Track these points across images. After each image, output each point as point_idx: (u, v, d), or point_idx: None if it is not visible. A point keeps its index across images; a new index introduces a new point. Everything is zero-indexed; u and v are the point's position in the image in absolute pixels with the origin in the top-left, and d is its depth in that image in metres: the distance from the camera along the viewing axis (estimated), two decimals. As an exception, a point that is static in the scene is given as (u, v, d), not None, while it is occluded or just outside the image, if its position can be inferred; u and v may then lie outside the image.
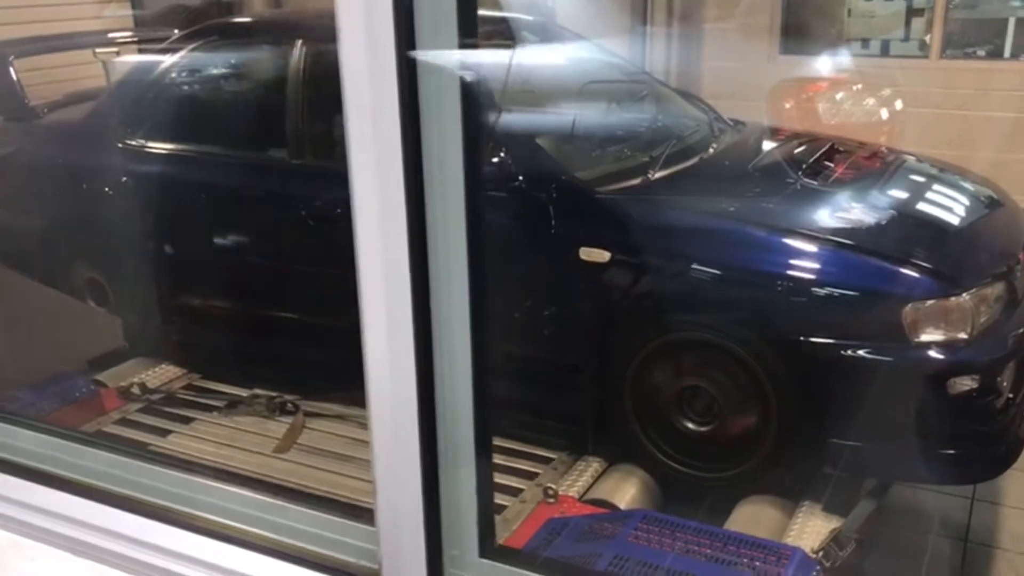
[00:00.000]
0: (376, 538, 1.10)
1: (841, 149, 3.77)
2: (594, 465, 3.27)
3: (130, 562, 1.43)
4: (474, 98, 0.95)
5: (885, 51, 6.14)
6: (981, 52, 6.36)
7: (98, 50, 5.45)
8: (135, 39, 5.85)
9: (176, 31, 4.41)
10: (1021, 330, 3.01)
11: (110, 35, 5.73)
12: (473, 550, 1.10)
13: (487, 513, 1.12)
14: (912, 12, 6.04)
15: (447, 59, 0.94)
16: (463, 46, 0.94)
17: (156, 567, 1.40)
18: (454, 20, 0.93)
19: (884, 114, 4.90)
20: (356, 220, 1.01)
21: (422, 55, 0.92)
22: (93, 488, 1.53)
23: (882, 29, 6.13)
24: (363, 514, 1.16)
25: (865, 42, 6.20)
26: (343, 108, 0.97)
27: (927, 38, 5.93)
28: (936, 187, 3.63)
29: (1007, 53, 6.52)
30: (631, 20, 6.18)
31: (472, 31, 0.94)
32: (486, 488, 1.11)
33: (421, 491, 1.03)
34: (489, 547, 1.12)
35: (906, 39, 6.07)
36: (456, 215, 0.98)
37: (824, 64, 5.97)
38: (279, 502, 1.32)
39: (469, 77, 0.94)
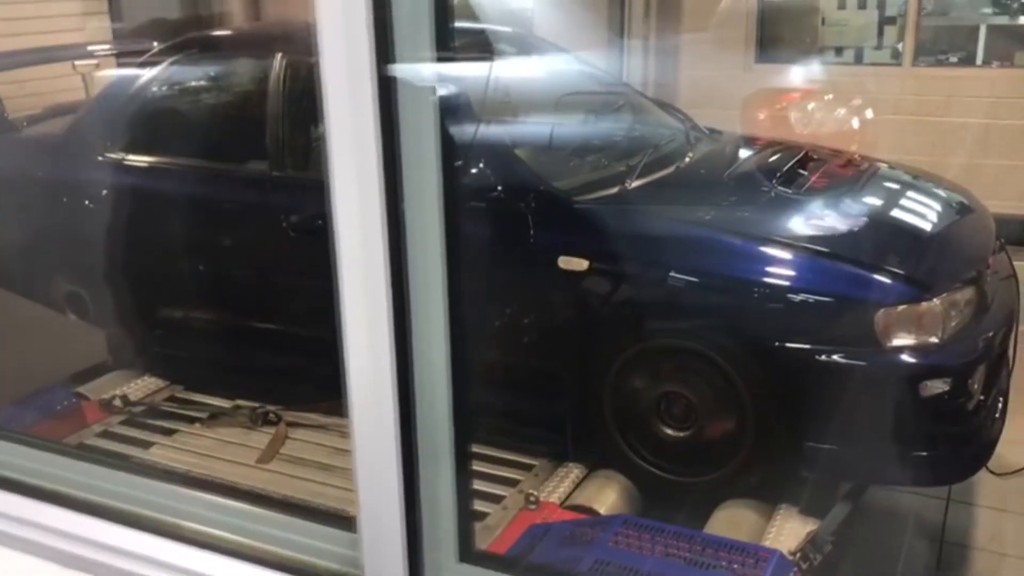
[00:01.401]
0: (358, 545, 1.12)
1: (815, 157, 3.83)
2: (575, 471, 3.30)
3: (113, 572, 1.45)
4: (451, 110, 0.98)
5: (859, 59, 6.23)
6: (954, 59, 6.45)
7: (78, 63, 5.47)
8: (115, 52, 5.87)
9: (156, 44, 4.42)
10: (991, 333, 3.07)
11: (90, 48, 5.74)
12: (452, 555, 1.12)
13: (466, 519, 1.14)
14: (885, 20, 6.13)
15: (424, 73, 0.97)
16: (440, 60, 0.97)
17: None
18: (430, 34, 0.96)
19: (855, 123, 4.97)
20: (335, 229, 1.04)
21: (399, 69, 0.95)
22: (73, 499, 1.54)
23: (856, 37, 6.21)
24: (345, 521, 1.19)
25: (839, 50, 6.28)
26: (324, 121, 1.00)
27: (900, 46, 6.02)
28: (908, 194, 3.70)
29: (979, 60, 6.62)
30: (609, 31, 6.24)
31: (449, 45, 0.97)
32: (465, 494, 1.14)
33: (401, 498, 1.06)
34: (469, 552, 1.15)
35: (879, 47, 6.15)
36: (433, 224, 1.01)
37: (798, 73, 6.05)
38: (261, 510, 1.34)
39: (446, 90, 0.97)
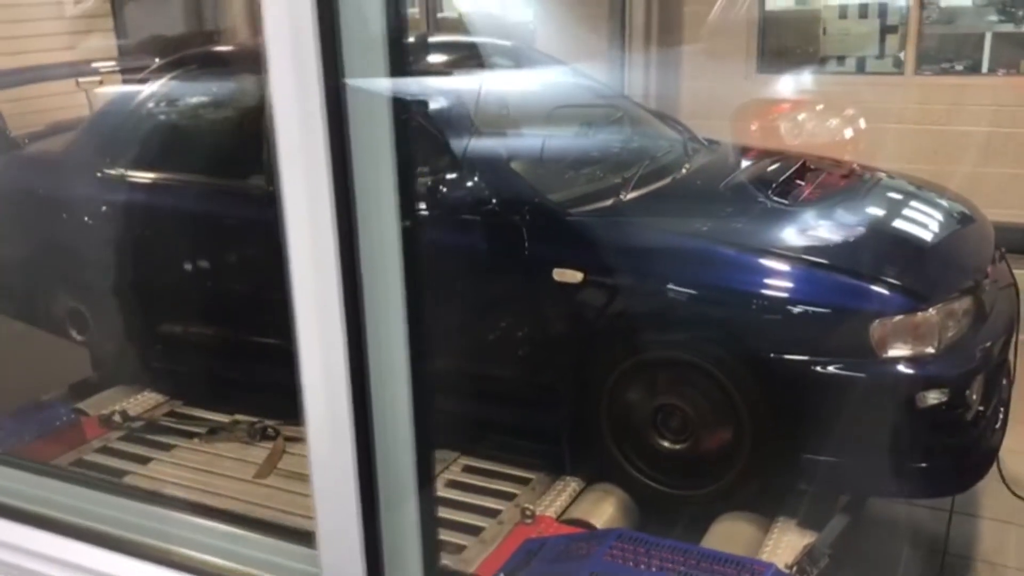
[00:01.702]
0: (317, 560, 1.12)
1: (813, 167, 3.82)
2: (572, 485, 3.28)
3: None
4: (405, 126, 0.98)
5: (861, 68, 6.22)
6: (960, 67, 6.43)
7: (81, 80, 5.50)
8: (118, 69, 5.91)
9: (157, 60, 4.45)
10: (989, 343, 3.05)
11: (94, 65, 5.78)
12: (418, 571, 1.11)
13: (431, 534, 1.13)
14: (886, 29, 6.12)
15: (376, 87, 0.97)
16: (394, 74, 0.96)
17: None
18: (383, 49, 0.96)
19: (848, 132, 4.96)
20: (288, 248, 1.04)
21: (350, 83, 0.95)
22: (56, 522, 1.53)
23: (857, 47, 6.20)
24: (305, 537, 1.18)
25: (841, 60, 6.27)
26: (275, 140, 1.00)
27: (901, 55, 6.00)
28: (906, 204, 3.68)
29: (984, 68, 6.60)
30: (610, 43, 6.25)
31: (402, 60, 0.96)
32: (429, 508, 1.13)
33: (358, 512, 1.05)
34: (433, 569, 1.14)
35: (881, 56, 6.14)
36: (390, 242, 1.00)
37: (799, 82, 6.04)
38: (218, 524, 1.33)
39: (402, 104, 0.97)
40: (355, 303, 1.01)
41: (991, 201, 3.95)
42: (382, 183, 0.97)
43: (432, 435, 1.11)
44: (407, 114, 0.98)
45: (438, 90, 3.56)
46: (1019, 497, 3.33)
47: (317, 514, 1.10)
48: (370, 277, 1.01)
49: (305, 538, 1.16)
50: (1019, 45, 6.75)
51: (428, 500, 1.11)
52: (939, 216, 3.60)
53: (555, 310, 3.20)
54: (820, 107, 5.17)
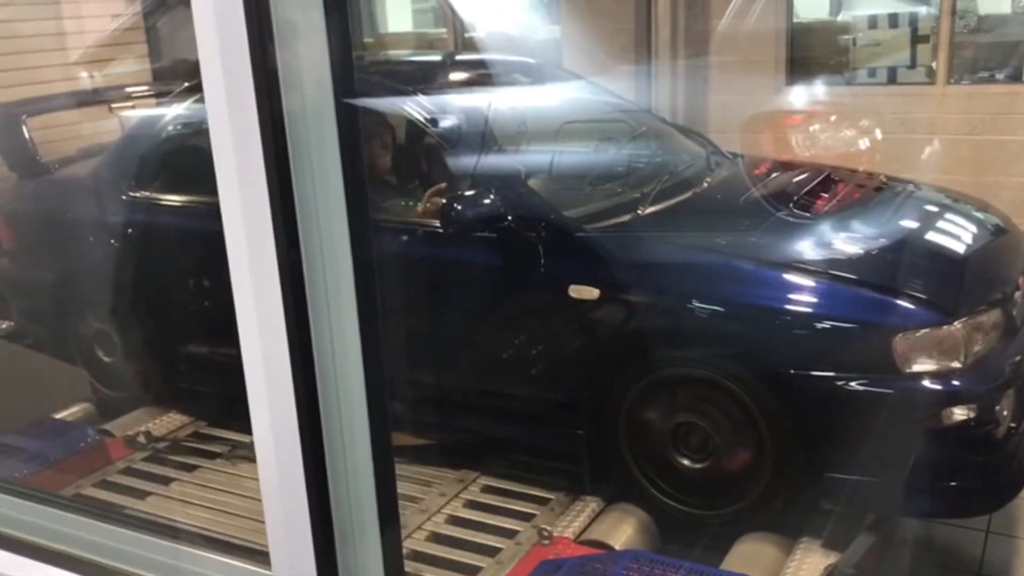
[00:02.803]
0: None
1: (838, 179, 3.75)
2: (591, 505, 3.24)
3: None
4: (355, 149, 0.96)
5: (892, 79, 6.11)
6: (1000, 76, 6.29)
7: (114, 105, 5.59)
8: (150, 93, 5.99)
9: (186, 83, 4.50)
10: (1019, 357, 2.96)
11: (127, 89, 5.87)
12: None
13: (394, 550, 1.10)
14: (918, 39, 6.01)
15: (320, 113, 0.95)
16: (339, 97, 0.94)
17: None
18: (327, 74, 0.94)
19: (863, 143, 4.87)
20: (233, 282, 1.02)
21: (288, 110, 0.93)
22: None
23: (888, 57, 6.10)
24: (260, 556, 1.16)
25: (872, 71, 6.17)
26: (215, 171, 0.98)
27: (933, 64, 5.90)
28: (933, 215, 3.59)
29: (1024, 76, 6.45)
30: (636, 58, 6.22)
31: (349, 82, 0.94)
32: (391, 522, 1.09)
33: (309, 530, 1.03)
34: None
35: (913, 66, 6.03)
36: (343, 267, 0.98)
37: (829, 94, 5.96)
38: (172, 544, 1.31)
39: (347, 130, 0.95)
40: (303, 330, 0.99)
41: (1017, 211, 3.84)
42: (332, 209, 0.95)
43: (392, 458, 1.08)
44: (356, 137, 0.96)
45: (454, 108, 3.57)
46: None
47: (269, 535, 1.08)
48: (318, 303, 0.99)
49: (258, 557, 1.14)
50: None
51: (390, 517, 1.08)
52: (967, 227, 3.51)
53: (572, 327, 3.17)
54: (834, 118, 5.09)
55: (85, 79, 6.51)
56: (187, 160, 3.92)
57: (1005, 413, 2.87)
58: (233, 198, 0.94)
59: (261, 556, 1.16)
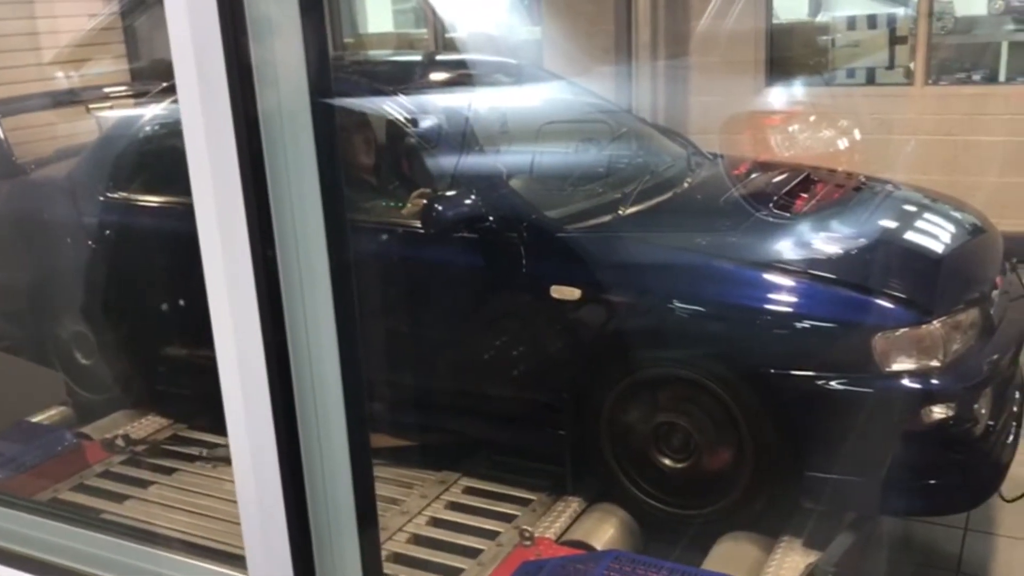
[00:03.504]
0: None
1: (816, 179, 3.76)
2: (573, 505, 3.23)
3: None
4: (331, 150, 0.94)
5: (871, 79, 6.15)
6: (977, 77, 6.35)
7: (91, 105, 5.55)
8: (128, 93, 5.95)
9: (164, 84, 4.46)
10: (997, 356, 2.98)
11: (104, 90, 5.83)
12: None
13: (373, 550, 1.09)
14: (896, 40, 6.06)
15: (296, 112, 0.94)
16: (315, 96, 0.93)
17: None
18: (302, 71, 0.93)
19: (842, 143, 4.89)
20: (207, 282, 1.01)
21: (263, 108, 0.92)
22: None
23: (867, 58, 6.14)
24: (236, 560, 1.14)
25: (851, 71, 6.21)
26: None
27: (911, 65, 5.94)
28: (912, 215, 3.62)
29: (1002, 77, 6.52)
30: (616, 59, 6.23)
31: (325, 82, 0.93)
32: (369, 524, 1.08)
33: (285, 531, 1.01)
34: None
35: (891, 67, 6.07)
36: (319, 267, 0.97)
37: (808, 95, 5.99)
38: (146, 548, 1.30)
39: (324, 130, 0.94)
40: (278, 330, 0.98)
41: (1007, 211, 3.87)
42: (308, 208, 0.94)
43: (370, 461, 1.07)
44: (333, 136, 0.94)
45: (435, 108, 3.55)
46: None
47: (245, 538, 1.07)
48: (294, 303, 0.97)
49: (233, 561, 1.13)
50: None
51: (368, 520, 1.07)
52: (945, 227, 3.53)
53: (554, 328, 3.16)
54: (813, 118, 5.12)
55: (62, 79, 6.45)
56: (164, 161, 3.89)
57: (983, 411, 2.89)
58: (207, 197, 0.93)
59: (239, 560, 1.15)
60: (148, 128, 4.00)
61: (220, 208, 0.92)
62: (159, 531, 2.99)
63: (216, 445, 3.76)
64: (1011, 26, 6.77)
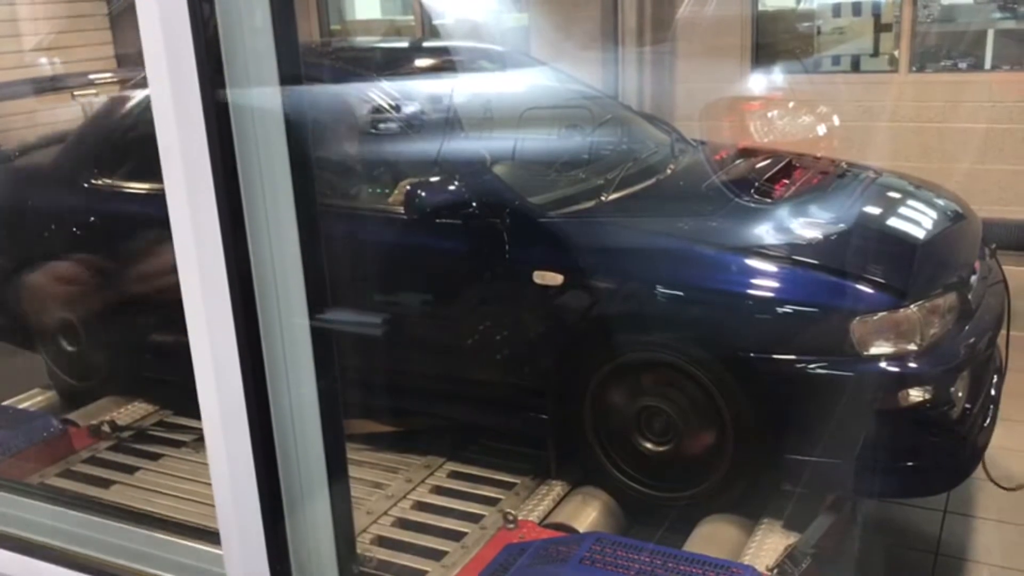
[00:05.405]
0: (222, 561, 1.10)
1: (799, 165, 3.78)
2: (556, 488, 3.26)
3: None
4: (302, 137, 0.96)
5: (856, 67, 6.17)
6: (962, 64, 6.37)
7: (76, 92, 5.52)
8: (113, 80, 5.93)
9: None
10: (974, 340, 3.01)
11: (89, 76, 5.80)
12: (332, 569, 1.09)
13: (346, 533, 1.11)
14: (881, 27, 6.07)
15: (265, 99, 0.95)
16: (285, 83, 0.94)
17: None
18: (271, 58, 0.94)
19: (821, 129, 4.92)
20: (178, 261, 1.02)
21: (234, 94, 0.93)
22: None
23: (852, 45, 6.16)
24: (210, 536, 1.16)
25: (836, 58, 6.23)
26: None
27: (896, 53, 5.96)
28: (892, 200, 3.64)
29: (988, 65, 6.54)
30: (603, 46, 6.23)
31: (295, 69, 0.94)
32: (343, 514, 1.11)
33: (258, 509, 1.03)
34: (348, 569, 1.12)
35: (875, 54, 6.09)
36: (290, 250, 0.98)
37: (792, 82, 6.01)
38: (122, 525, 1.31)
39: (295, 116, 0.95)
40: (250, 314, 0.99)
41: (990, 197, 3.90)
42: (279, 193, 0.95)
43: (341, 431, 1.09)
44: (303, 122, 0.96)
45: (419, 94, 3.56)
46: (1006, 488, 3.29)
47: (219, 514, 1.08)
48: (266, 286, 0.99)
49: (214, 538, 1.15)
50: (1022, 41, 6.68)
51: (341, 497, 1.09)
52: (925, 212, 3.56)
53: (537, 312, 3.19)
54: (792, 104, 5.14)
55: (46, 65, 6.42)
56: (149, 147, 3.88)
57: (960, 394, 2.92)
58: (178, 184, 0.95)
59: (215, 536, 1.17)
60: (134, 114, 4.00)
61: (191, 192, 0.94)
62: (141, 513, 3.00)
63: (201, 431, 3.77)
64: (997, 14, 6.79)
